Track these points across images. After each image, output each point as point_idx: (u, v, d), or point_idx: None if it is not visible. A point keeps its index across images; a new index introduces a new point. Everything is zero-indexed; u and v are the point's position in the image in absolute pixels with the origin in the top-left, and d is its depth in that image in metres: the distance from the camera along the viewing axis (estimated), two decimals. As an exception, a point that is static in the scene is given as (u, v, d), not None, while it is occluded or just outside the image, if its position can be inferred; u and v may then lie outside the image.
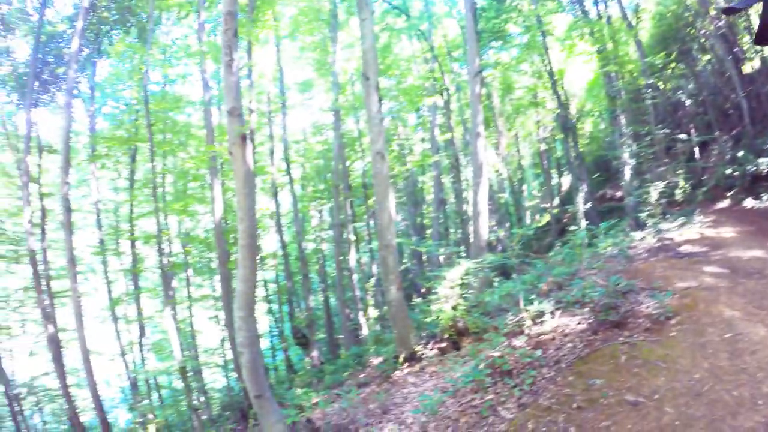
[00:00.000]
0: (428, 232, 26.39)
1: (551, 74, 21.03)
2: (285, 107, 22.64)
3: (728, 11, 1.63)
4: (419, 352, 10.65)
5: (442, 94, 23.15)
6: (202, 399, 18.86)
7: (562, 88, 22.54)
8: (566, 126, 21.21)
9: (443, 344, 10.43)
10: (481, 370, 6.98)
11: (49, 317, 15.46)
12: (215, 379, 26.98)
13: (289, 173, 22.75)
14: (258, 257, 17.01)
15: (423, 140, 28.21)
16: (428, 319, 11.35)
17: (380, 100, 11.66)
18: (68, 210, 14.41)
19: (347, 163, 22.34)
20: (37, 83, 16.85)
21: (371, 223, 24.97)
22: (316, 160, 27.54)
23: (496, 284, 13.13)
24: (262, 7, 16.99)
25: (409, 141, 28.86)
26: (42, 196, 18.76)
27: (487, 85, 23.97)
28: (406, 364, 10.64)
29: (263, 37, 19.72)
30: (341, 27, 21.17)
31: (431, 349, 10.63)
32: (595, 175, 24.39)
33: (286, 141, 23.10)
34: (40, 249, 17.41)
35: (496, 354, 7.06)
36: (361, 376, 12.37)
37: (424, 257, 24.73)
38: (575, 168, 21.32)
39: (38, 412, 23.46)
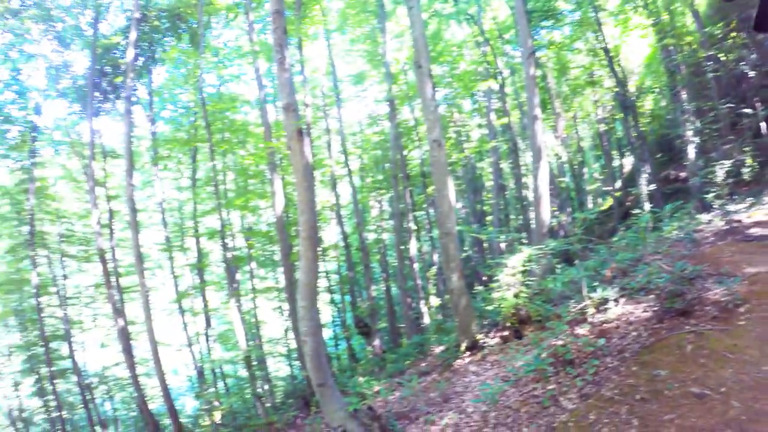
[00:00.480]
0: (488, 218, 26.18)
1: (607, 51, 20.39)
2: (340, 100, 22.82)
3: None
4: (481, 341, 10.68)
5: (496, 78, 22.81)
6: (266, 387, 19.45)
7: (619, 65, 21.84)
8: (625, 105, 20.59)
9: (505, 333, 10.42)
10: (543, 360, 6.97)
11: (119, 311, 16.34)
12: (279, 368, 27.71)
13: (347, 165, 22.95)
14: (319, 249, 17.36)
15: (480, 126, 27.92)
16: (490, 307, 11.35)
17: (434, 87, 11.64)
18: (134, 210, 15.17)
19: (404, 153, 22.36)
20: (97, 93, 17.85)
21: (431, 211, 24.98)
22: (374, 150, 27.62)
23: (558, 271, 12.95)
24: (309, 4, 17.24)
25: (465, 127, 28.62)
26: (109, 198, 20.04)
27: (542, 66, 23.46)
28: (468, 352, 10.70)
29: (312, 32, 19.98)
30: (389, 17, 21.10)
31: (493, 338, 10.64)
32: (658, 156, 23.48)
33: (343, 133, 23.31)
34: (109, 248, 18.33)
35: (559, 343, 7.03)
36: (423, 364, 12.51)
37: (485, 244, 24.58)
38: (637, 148, 20.71)
39: (109, 400, 25.28)
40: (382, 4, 19.45)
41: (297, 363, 25.28)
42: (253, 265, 22.93)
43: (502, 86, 23.26)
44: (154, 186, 21.90)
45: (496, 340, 10.50)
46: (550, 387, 6.47)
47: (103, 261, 16.70)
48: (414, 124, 24.12)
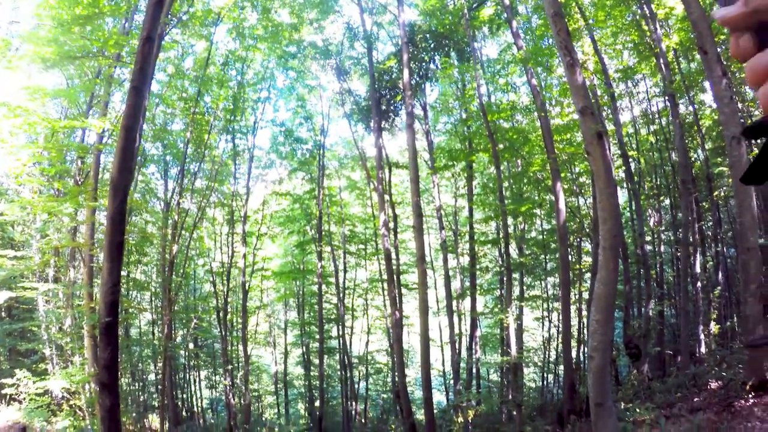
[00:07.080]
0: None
1: None
2: (614, 99, 21.18)
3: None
4: (771, 382, 9.25)
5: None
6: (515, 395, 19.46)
7: None
8: None
9: (800, 375, 8.92)
10: None
11: (395, 305, 17.82)
12: (530, 378, 27.63)
13: (627, 169, 20.88)
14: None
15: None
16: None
17: (725, 74, 10.28)
18: (419, 215, 16.25)
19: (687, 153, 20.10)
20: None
21: (714, 221, 22.11)
22: (649, 152, 25.48)
23: None
24: (567, 2, 16.80)
25: (754, 118, 24.74)
26: (393, 204, 22.37)
27: None
28: (753, 393, 9.37)
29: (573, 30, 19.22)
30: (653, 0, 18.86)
31: (786, 380, 9.16)
32: None
33: (620, 134, 21.53)
34: (393, 248, 20.38)
35: None
36: (695, 399, 11.30)
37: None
38: None
39: (364, 380, 28.93)
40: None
41: (551, 376, 24.84)
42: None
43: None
44: (432, 193, 23.62)
45: (790, 383, 9.03)
46: None
47: (388, 259, 18.24)
48: (694, 120, 21.40)
